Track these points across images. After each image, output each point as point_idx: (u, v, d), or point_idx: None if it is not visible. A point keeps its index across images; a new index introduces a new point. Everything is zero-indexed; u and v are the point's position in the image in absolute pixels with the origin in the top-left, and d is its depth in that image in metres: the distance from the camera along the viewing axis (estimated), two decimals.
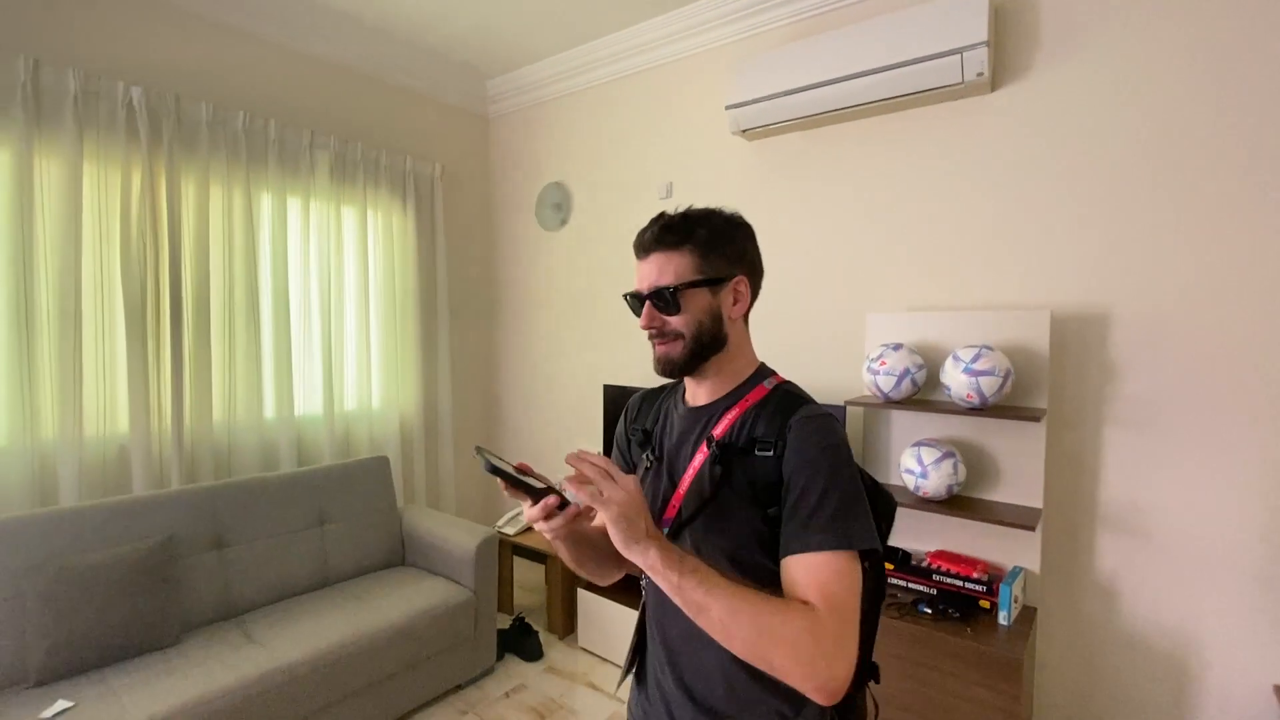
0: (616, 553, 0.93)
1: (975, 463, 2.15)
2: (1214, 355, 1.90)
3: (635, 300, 0.93)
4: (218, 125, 2.63)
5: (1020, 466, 2.07)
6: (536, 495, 0.78)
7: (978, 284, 2.27)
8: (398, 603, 2.39)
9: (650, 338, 0.93)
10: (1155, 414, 1.98)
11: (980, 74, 2.11)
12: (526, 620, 2.89)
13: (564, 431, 3.60)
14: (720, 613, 0.72)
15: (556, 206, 3.57)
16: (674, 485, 0.93)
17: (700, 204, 0.95)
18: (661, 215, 0.92)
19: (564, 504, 0.78)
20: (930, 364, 2.18)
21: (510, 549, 3.15)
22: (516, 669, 2.72)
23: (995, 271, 2.24)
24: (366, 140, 3.23)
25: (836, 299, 2.58)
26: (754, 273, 0.95)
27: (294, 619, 2.24)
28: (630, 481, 0.76)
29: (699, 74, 2.95)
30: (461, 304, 3.81)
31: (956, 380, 1.97)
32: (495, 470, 0.76)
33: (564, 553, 0.95)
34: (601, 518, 0.75)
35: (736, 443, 0.88)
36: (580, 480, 0.75)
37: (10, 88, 2.13)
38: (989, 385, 1.92)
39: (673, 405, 1.02)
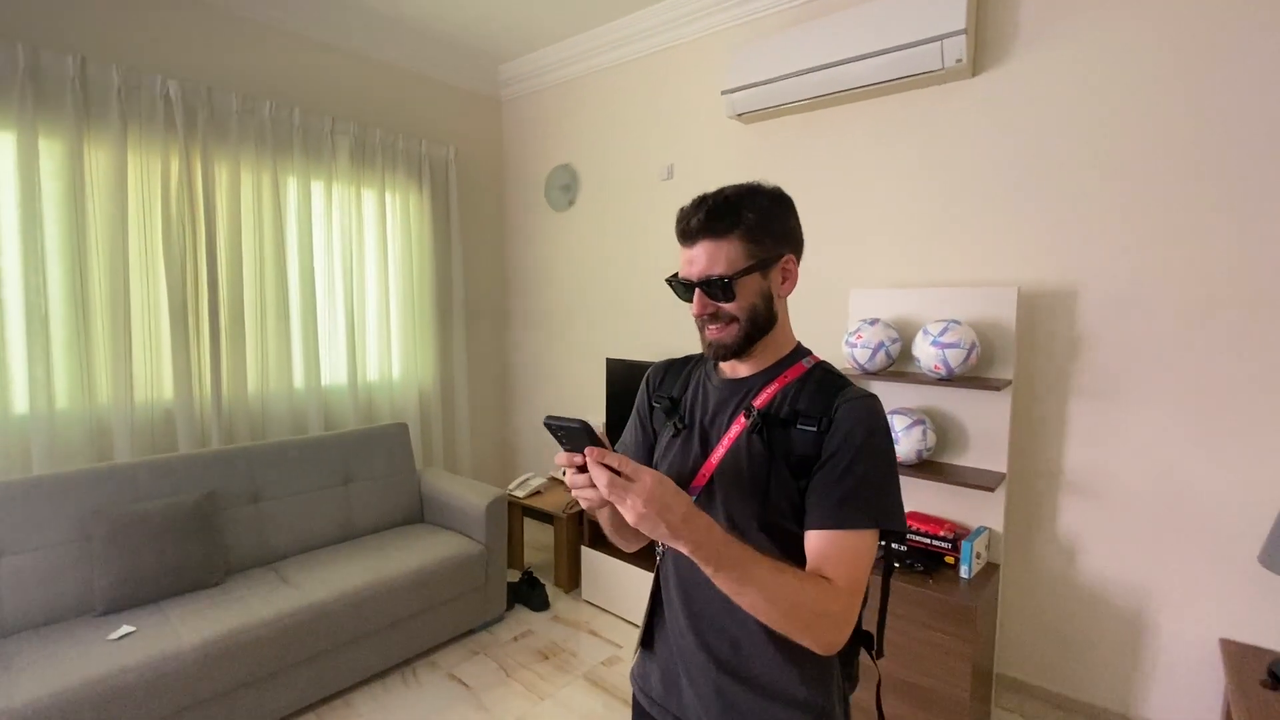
0: None
1: (944, 429, 2.29)
2: (1172, 330, 2.01)
3: (681, 286, 0.92)
4: (247, 114, 2.83)
5: (986, 433, 2.21)
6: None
7: (953, 261, 2.39)
8: (416, 554, 2.63)
9: (701, 323, 0.93)
10: (1116, 384, 2.11)
11: (959, 60, 2.20)
12: (535, 574, 3.13)
13: (570, 401, 3.80)
14: (752, 598, 0.76)
15: (565, 187, 3.73)
16: (706, 453, 0.94)
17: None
18: (704, 200, 0.89)
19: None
20: (906, 337, 2.32)
21: (521, 510, 3.38)
22: (524, 617, 2.96)
23: (969, 250, 2.35)
24: (384, 125, 3.41)
25: (824, 274, 2.72)
26: (799, 248, 0.94)
27: (323, 565, 2.49)
28: (648, 482, 0.73)
29: (698, 59, 3.06)
30: (475, 280, 4.01)
31: (925, 352, 2.12)
32: (557, 428, 0.77)
33: (604, 518, 0.98)
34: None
35: (778, 414, 0.90)
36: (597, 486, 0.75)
37: (61, 83, 2.35)
38: (955, 357, 2.06)
39: (704, 376, 1.02)
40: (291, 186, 3.04)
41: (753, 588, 0.76)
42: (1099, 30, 2.08)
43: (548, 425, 0.78)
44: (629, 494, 0.72)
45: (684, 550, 0.75)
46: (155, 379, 2.65)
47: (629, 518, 0.74)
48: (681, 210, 0.91)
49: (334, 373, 3.27)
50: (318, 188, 3.14)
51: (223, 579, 2.33)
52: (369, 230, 3.37)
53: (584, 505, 0.81)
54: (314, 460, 2.79)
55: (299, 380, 3.11)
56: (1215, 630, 2.00)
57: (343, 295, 3.24)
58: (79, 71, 2.36)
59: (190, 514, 2.28)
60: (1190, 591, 2.03)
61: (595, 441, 0.77)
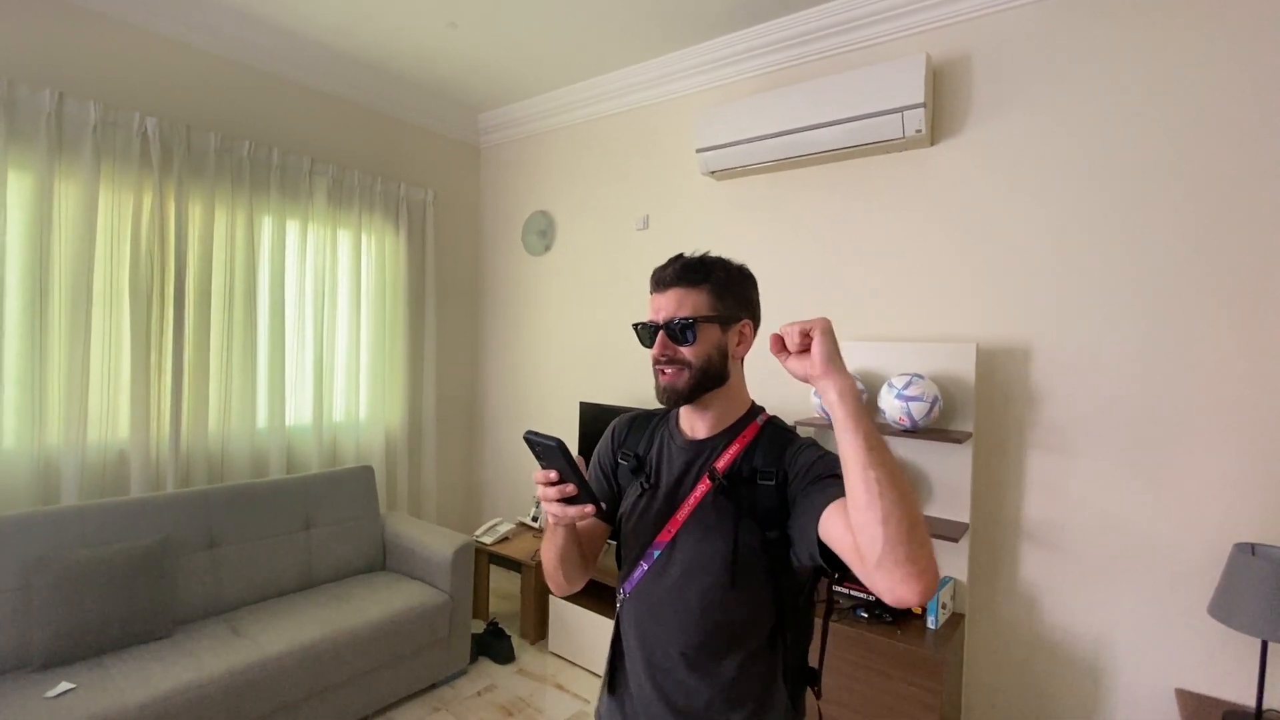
0: (592, 555, 1.07)
1: (910, 480, 2.35)
2: (1115, 387, 2.12)
3: (647, 330, 1.01)
4: (225, 153, 2.83)
5: (949, 484, 2.28)
6: (577, 484, 0.82)
7: (915, 317, 2.50)
8: (377, 604, 2.54)
9: (657, 366, 1.00)
10: (1067, 438, 2.20)
11: (918, 130, 2.35)
12: (500, 625, 3.04)
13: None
14: (890, 468, 0.74)
15: (541, 233, 3.79)
16: (672, 511, 1.00)
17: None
18: (680, 256, 1.01)
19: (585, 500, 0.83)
20: (871, 389, 2.39)
21: (488, 557, 3.30)
22: (489, 670, 2.87)
23: (930, 306, 2.46)
24: (363, 167, 3.44)
25: None
26: (756, 319, 1.05)
27: (279, 616, 2.39)
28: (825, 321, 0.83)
29: (674, 117, 3.19)
30: (448, 323, 4.00)
31: (890, 405, 2.19)
32: (535, 444, 0.81)
33: (558, 540, 0.99)
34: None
35: (739, 474, 0.98)
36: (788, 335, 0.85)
37: (36, 118, 2.33)
38: (918, 410, 2.13)
39: (667, 435, 1.08)
40: (266, 225, 3.02)
41: (890, 457, 0.75)
42: (1040, 105, 2.25)
43: (527, 439, 0.82)
44: (815, 328, 0.83)
45: (832, 386, 0.80)
46: (111, 417, 2.56)
47: (818, 324, 0.83)
48: (657, 266, 1.02)
49: (299, 413, 3.20)
50: (293, 227, 3.13)
51: (171, 631, 2.21)
52: (343, 270, 3.36)
53: (551, 521, 0.86)
54: (275, 504, 2.71)
55: (262, 420, 3.04)
56: (1170, 680, 2.05)
57: (312, 334, 3.20)
58: (56, 107, 2.35)
59: (140, 561, 2.18)
60: (1144, 642, 2.09)
61: (569, 460, 0.83)
